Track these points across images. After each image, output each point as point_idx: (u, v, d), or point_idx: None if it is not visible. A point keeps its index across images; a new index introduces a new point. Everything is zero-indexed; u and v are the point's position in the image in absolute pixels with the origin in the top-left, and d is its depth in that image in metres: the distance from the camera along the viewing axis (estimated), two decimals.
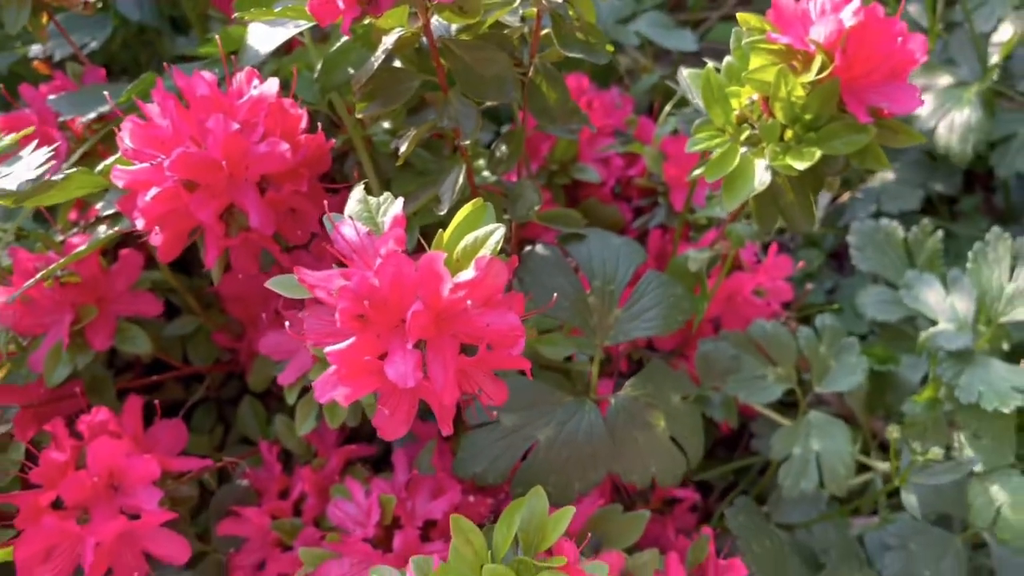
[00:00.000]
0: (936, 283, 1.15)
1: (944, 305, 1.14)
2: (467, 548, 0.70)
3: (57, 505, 0.82)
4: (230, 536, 0.94)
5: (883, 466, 1.15)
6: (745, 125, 0.77)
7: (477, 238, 0.60)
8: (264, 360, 1.04)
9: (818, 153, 0.72)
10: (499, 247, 0.60)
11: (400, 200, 0.63)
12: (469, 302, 0.58)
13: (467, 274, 0.59)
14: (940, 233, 1.21)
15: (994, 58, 1.25)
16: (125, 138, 0.68)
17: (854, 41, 0.73)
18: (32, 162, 0.71)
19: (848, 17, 0.73)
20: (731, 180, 0.75)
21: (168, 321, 1.04)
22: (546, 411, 0.84)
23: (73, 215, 1.01)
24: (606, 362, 1.01)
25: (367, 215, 0.65)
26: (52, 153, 0.71)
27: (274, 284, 0.64)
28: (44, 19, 0.98)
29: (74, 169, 0.73)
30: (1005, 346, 1.14)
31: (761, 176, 0.75)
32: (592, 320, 0.84)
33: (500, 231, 0.59)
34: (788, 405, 1.13)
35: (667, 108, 1.24)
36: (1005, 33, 1.25)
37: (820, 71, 0.73)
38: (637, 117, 1.31)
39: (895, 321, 1.24)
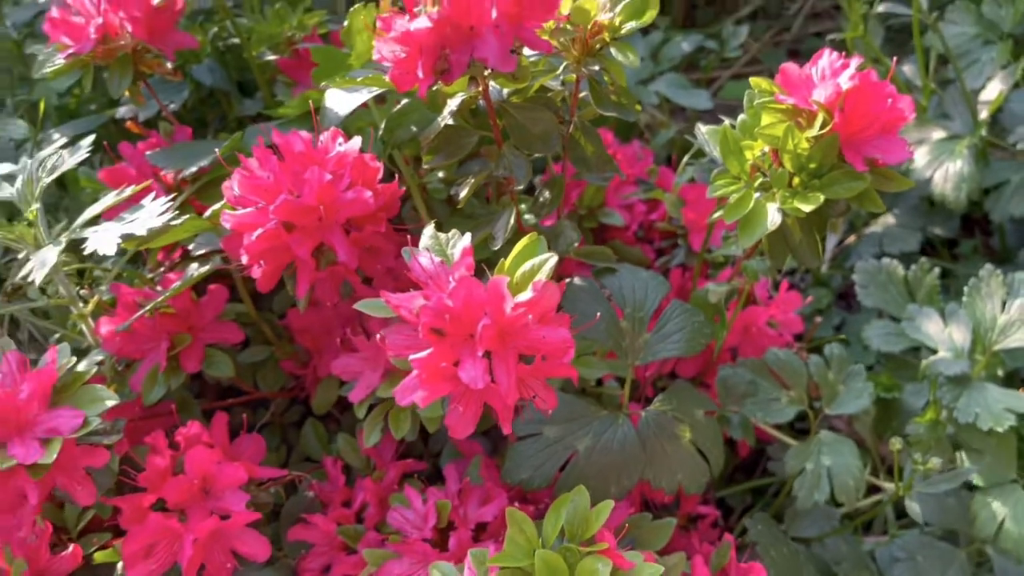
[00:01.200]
0: (935, 316, 1.26)
1: (943, 336, 1.25)
2: (520, 536, 0.81)
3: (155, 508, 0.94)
4: (299, 542, 1.05)
5: (892, 487, 1.25)
6: (758, 174, 0.90)
7: (534, 265, 0.72)
8: (327, 385, 1.16)
9: (822, 197, 0.84)
10: (552, 274, 0.72)
11: (468, 235, 0.75)
12: (529, 317, 0.70)
13: (526, 295, 0.71)
14: (937, 270, 1.33)
15: (983, 114, 1.38)
16: (234, 187, 0.81)
17: (851, 102, 0.86)
18: (154, 210, 0.84)
19: (845, 81, 0.86)
20: (747, 221, 0.87)
21: (241, 351, 1.17)
22: (584, 424, 0.95)
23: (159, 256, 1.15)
24: (634, 388, 1.12)
25: (438, 248, 0.77)
26: (171, 202, 0.84)
27: (362, 306, 0.76)
28: (139, 84, 1.13)
29: (186, 216, 0.86)
30: (1000, 372, 1.25)
31: (773, 217, 0.87)
32: (624, 342, 0.96)
33: (553, 259, 0.71)
34: (801, 432, 1.23)
35: (685, 159, 1.37)
36: (993, 91, 1.38)
37: (822, 127, 0.86)
38: (657, 167, 1.44)
39: (899, 352, 1.35)
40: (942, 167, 1.37)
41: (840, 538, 1.20)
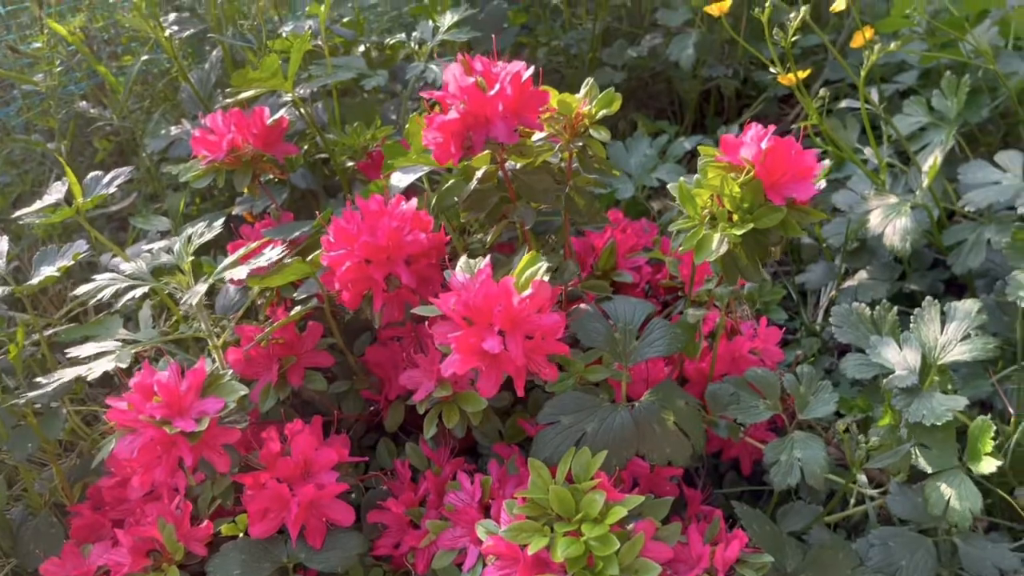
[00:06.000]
0: (893, 343, 1.52)
1: (899, 358, 1.50)
2: (539, 479, 1.10)
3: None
4: (376, 525, 1.34)
5: (870, 492, 1.49)
6: (706, 213, 1.21)
7: (533, 270, 1.04)
8: (396, 408, 1.47)
9: (752, 226, 1.15)
10: (547, 275, 1.04)
11: (488, 258, 1.08)
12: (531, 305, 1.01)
13: (527, 291, 1.03)
14: (895, 308, 1.60)
15: (925, 182, 1.68)
16: (330, 236, 1.16)
17: (769, 157, 1.18)
18: (271, 255, 1.19)
19: (764, 143, 1.18)
20: (698, 248, 1.18)
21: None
22: (591, 412, 1.24)
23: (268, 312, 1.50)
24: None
25: (469, 269, 1.10)
26: (284, 251, 1.19)
27: (421, 310, 1.09)
28: (255, 184, 1.52)
29: (295, 258, 1.21)
30: (949, 387, 1.49)
31: (718, 243, 1.17)
32: (618, 348, 1.26)
33: (545, 265, 1.04)
34: None
35: (676, 227, 1.69)
36: (929, 162, 1.69)
37: (748, 176, 1.17)
38: (660, 237, 1.76)
39: (869, 379, 1.60)
40: (891, 223, 1.67)
41: (823, 529, 1.43)
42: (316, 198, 1.81)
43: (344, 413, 1.49)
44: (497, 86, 1.11)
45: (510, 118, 1.11)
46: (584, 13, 2.63)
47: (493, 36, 1.46)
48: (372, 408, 1.53)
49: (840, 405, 1.65)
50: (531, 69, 1.14)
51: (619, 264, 1.69)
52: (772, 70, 1.65)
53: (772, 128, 1.20)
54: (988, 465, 1.30)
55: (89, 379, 1.18)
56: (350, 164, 1.70)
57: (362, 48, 2.05)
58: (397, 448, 1.50)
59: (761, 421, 1.40)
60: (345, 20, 2.11)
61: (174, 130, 1.92)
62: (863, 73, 1.67)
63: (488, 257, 1.09)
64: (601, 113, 1.19)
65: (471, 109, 1.11)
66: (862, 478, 1.49)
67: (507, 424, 1.43)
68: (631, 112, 2.60)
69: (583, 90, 1.22)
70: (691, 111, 2.59)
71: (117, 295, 1.23)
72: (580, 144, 1.20)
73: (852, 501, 1.54)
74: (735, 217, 1.19)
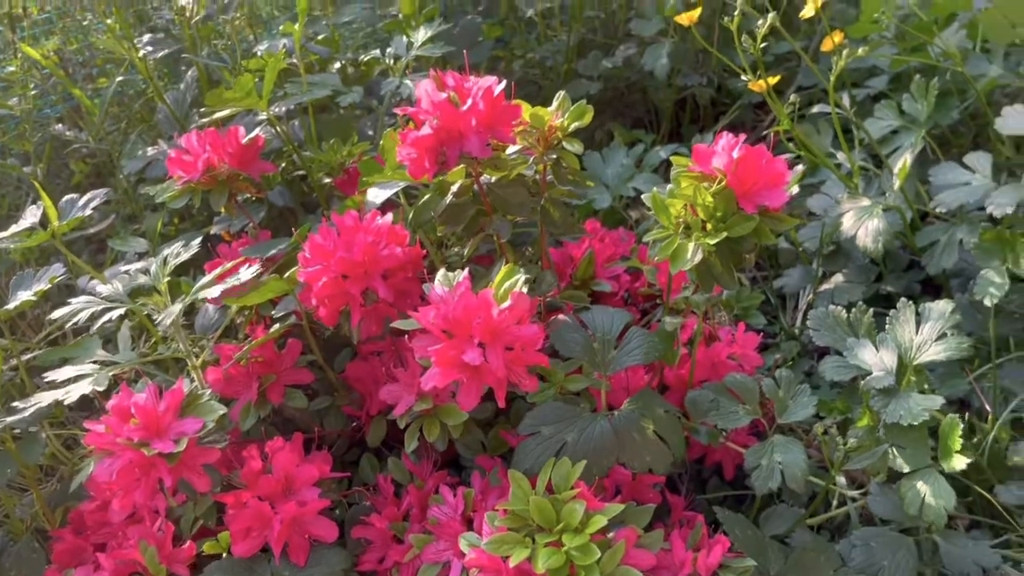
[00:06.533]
0: (869, 345, 1.54)
1: (876, 359, 1.52)
2: (520, 490, 1.10)
3: None
4: (359, 540, 1.34)
5: (852, 493, 1.50)
6: (681, 223, 1.23)
7: (511, 283, 1.05)
8: (378, 423, 1.47)
9: (725, 234, 1.17)
10: (525, 287, 1.05)
11: (467, 271, 1.09)
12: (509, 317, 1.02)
13: (506, 303, 1.04)
14: (871, 311, 1.61)
15: (896, 185, 1.70)
16: (306, 252, 1.17)
17: (740, 166, 1.19)
18: (248, 273, 1.20)
19: (735, 153, 1.20)
20: (673, 257, 1.19)
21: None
22: (572, 422, 1.25)
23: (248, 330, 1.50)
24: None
25: (448, 282, 1.11)
26: (261, 269, 1.20)
27: (400, 324, 1.09)
28: (232, 203, 1.52)
29: (272, 276, 1.21)
30: (926, 386, 1.51)
31: (692, 252, 1.19)
32: (597, 358, 1.27)
33: (523, 276, 1.04)
34: None
35: (652, 236, 1.70)
36: (899, 163, 1.71)
37: (720, 185, 1.19)
38: (639, 246, 1.77)
39: (848, 381, 1.61)
40: (863, 225, 1.69)
41: (805, 531, 1.45)
42: (294, 215, 1.81)
43: (326, 429, 1.49)
44: (469, 101, 1.12)
45: (483, 132, 1.12)
46: (559, 25, 2.65)
47: (465, 51, 1.47)
48: (354, 423, 1.53)
49: (820, 407, 1.67)
50: (503, 84, 1.16)
51: (598, 273, 1.71)
52: (744, 77, 1.67)
53: (743, 137, 1.22)
54: (959, 462, 1.32)
55: (67, 402, 1.18)
56: (327, 181, 1.70)
57: (338, 65, 2.06)
58: (380, 463, 1.50)
59: (742, 426, 1.41)
60: (320, 37, 2.12)
61: (151, 151, 1.92)
62: (832, 78, 1.69)
63: (467, 270, 1.09)
64: (574, 125, 1.20)
65: (444, 124, 1.12)
66: (842, 480, 1.51)
67: (489, 436, 1.44)
68: (608, 122, 2.62)
69: (555, 103, 1.23)
70: (667, 120, 2.61)
71: (94, 318, 1.23)
72: (554, 156, 1.21)
73: (835, 502, 1.55)
74: (709, 226, 1.20)
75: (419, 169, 1.15)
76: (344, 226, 1.17)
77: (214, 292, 1.14)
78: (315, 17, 2.15)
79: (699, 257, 1.19)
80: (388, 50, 1.87)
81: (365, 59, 1.88)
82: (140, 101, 2.13)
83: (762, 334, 1.98)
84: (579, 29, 2.53)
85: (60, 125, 2.04)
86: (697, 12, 1.59)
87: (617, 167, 2.01)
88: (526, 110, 1.20)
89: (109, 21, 1.98)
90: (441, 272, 1.12)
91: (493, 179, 1.24)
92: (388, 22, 2.11)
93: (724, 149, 1.21)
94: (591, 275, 1.69)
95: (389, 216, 1.20)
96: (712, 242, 1.16)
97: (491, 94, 1.14)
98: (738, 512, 1.58)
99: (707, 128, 2.66)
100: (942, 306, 1.48)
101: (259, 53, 1.87)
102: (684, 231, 1.22)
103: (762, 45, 1.58)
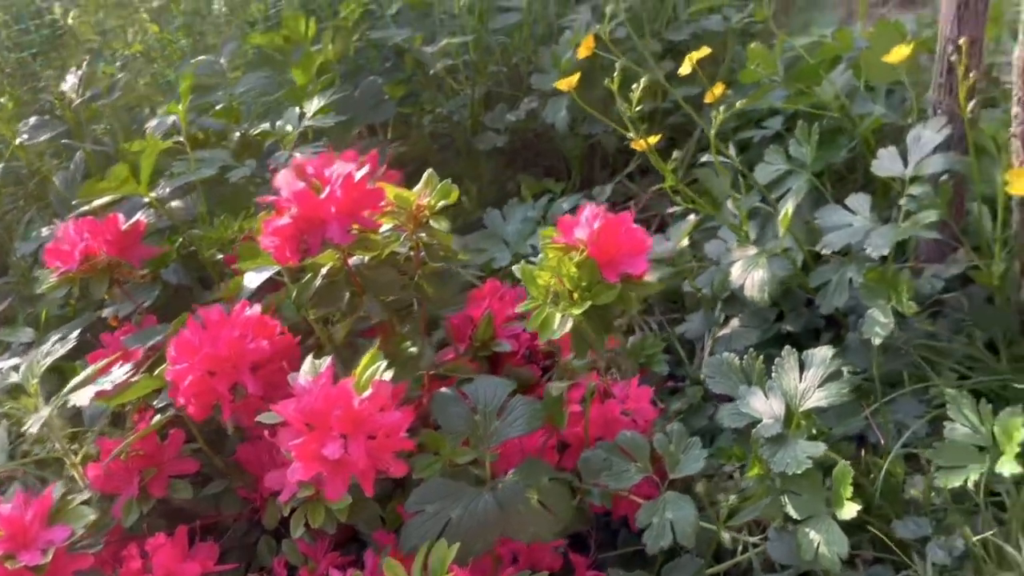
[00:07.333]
0: (760, 392, 1.56)
1: (766, 407, 1.54)
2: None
3: None
4: None
5: (752, 540, 1.52)
6: (551, 292, 1.24)
7: (373, 370, 1.05)
8: (273, 504, 1.46)
9: (589, 303, 1.19)
10: (387, 375, 1.05)
11: (330, 358, 1.09)
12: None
13: (367, 392, 1.04)
14: (761, 357, 1.64)
15: (780, 231, 1.75)
16: (171, 350, 1.16)
17: (601, 236, 1.21)
18: (119, 375, 1.18)
19: (596, 223, 1.22)
20: (542, 326, 1.21)
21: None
22: (456, 499, 1.25)
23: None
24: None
25: (314, 370, 1.11)
26: (132, 370, 1.18)
27: (264, 418, 1.09)
28: (116, 288, 1.50)
29: (142, 376, 1.20)
30: (814, 431, 1.54)
31: (560, 322, 1.20)
32: (479, 431, 1.27)
33: (384, 364, 1.05)
34: None
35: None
36: (783, 208, 1.76)
37: (583, 256, 1.21)
38: None
39: (743, 427, 1.64)
40: (750, 275, 1.72)
41: None
42: (192, 292, 1.80)
43: (223, 514, 1.47)
44: (327, 189, 1.13)
45: (344, 219, 1.13)
46: (465, 79, 2.68)
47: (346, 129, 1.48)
48: (252, 505, 1.51)
49: (718, 455, 1.69)
50: (364, 169, 1.17)
51: (497, 334, 1.71)
52: (629, 135, 1.71)
53: (603, 209, 1.24)
54: (849, 511, 1.34)
55: None
56: (220, 257, 1.70)
57: (237, 134, 2.06)
58: (278, 544, 1.48)
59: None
60: (218, 108, 2.12)
61: (45, 231, 1.90)
62: (713, 130, 1.73)
63: (329, 359, 1.09)
64: (441, 203, 1.22)
65: (303, 213, 1.12)
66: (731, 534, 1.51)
67: (387, 509, 1.43)
68: (520, 171, 2.65)
69: (421, 181, 1.25)
70: (577, 168, 2.65)
71: None
72: (423, 235, 1.22)
73: (739, 548, 1.56)
74: (575, 296, 1.22)
75: (282, 256, 1.15)
76: (210, 320, 1.17)
77: (84, 398, 1.13)
78: (212, 87, 2.15)
79: (568, 325, 1.21)
80: (278, 122, 1.87)
81: (255, 133, 1.88)
82: (35, 180, 2.11)
83: (671, 379, 2.01)
84: (484, 83, 2.56)
85: None
86: (575, 78, 1.63)
87: (518, 224, 2.03)
88: (390, 192, 1.21)
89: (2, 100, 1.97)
90: (308, 360, 1.12)
91: (366, 259, 1.25)
92: (285, 91, 2.12)
93: (586, 220, 1.24)
94: (490, 336, 1.70)
95: (257, 307, 1.20)
96: (578, 312, 1.18)
97: (351, 180, 1.15)
98: (647, 564, 1.60)
99: (618, 172, 2.70)
100: (823, 352, 1.51)
101: (149, 129, 1.86)
102: (553, 300, 1.23)
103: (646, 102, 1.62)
